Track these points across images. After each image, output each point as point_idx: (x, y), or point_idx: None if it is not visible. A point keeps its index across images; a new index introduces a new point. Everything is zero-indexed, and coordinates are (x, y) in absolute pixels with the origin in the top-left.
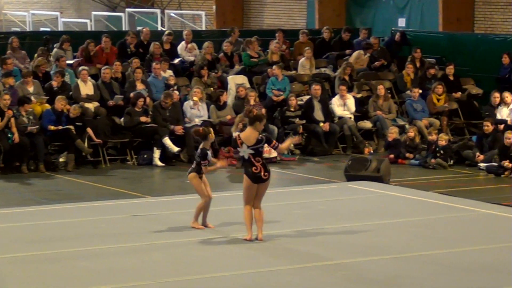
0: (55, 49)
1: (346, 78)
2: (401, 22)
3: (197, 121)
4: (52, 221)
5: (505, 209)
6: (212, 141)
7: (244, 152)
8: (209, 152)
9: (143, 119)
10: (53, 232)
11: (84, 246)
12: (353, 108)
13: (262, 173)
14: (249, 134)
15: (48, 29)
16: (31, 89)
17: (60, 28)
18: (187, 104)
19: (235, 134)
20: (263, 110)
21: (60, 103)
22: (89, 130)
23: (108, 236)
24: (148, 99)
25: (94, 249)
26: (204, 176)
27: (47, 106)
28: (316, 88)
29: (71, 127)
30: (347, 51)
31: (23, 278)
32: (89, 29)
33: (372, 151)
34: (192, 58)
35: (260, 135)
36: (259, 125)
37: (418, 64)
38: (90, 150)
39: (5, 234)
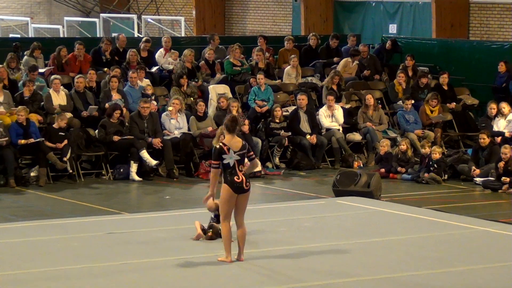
0: (25, 57)
1: (334, 87)
2: (392, 29)
3: (176, 133)
4: (21, 239)
5: (502, 226)
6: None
7: (231, 158)
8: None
9: (115, 138)
10: (22, 251)
11: (55, 266)
12: (341, 120)
13: (244, 183)
14: (232, 140)
15: (18, 36)
16: (0, 98)
17: (31, 34)
18: (166, 115)
19: (217, 144)
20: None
21: (20, 114)
22: (65, 142)
23: (81, 255)
24: (124, 110)
25: (66, 270)
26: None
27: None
28: (302, 98)
29: (43, 139)
30: (335, 59)
31: None
32: (61, 35)
33: (361, 165)
34: (170, 67)
35: (243, 141)
36: (237, 129)
37: (410, 73)
38: (64, 164)
39: None
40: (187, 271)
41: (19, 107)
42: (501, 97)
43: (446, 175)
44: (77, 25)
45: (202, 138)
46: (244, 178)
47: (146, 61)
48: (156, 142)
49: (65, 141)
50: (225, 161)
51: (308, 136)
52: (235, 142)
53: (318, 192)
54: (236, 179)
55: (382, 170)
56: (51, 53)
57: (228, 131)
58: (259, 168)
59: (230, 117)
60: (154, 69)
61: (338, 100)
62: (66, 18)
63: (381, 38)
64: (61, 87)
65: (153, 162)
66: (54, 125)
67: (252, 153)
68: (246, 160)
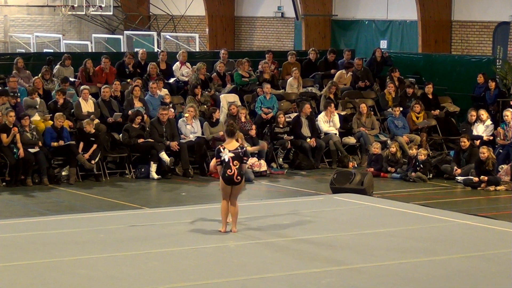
0: (57, 66)
1: (331, 96)
2: (383, 44)
3: (192, 137)
4: (54, 231)
5: (480, 219)
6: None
7: (226, 155)
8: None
9: (140, 141)
10: (55, 241)
11: (84, 255)
12: (338, 125)
13: (235, 176)
14: (229, 143)
15: (51, 51)
16: (36, 106)
17: (62, 49)
18: (182, 121)
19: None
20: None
21: (58, 120)
22: (94, 146)
23: (107, 245)
24: (145, 116)
25: (94, 258)
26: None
27: (51, 123)
28: (307, 107)
29: (73, 142)
30: (332, 71)
31: (26, 285)
32: (89, 50)
33: (356, 165)
34: (186, 78)
35: (241, 145)
36: (237, 135)
37: (398, 84)
38: (92, 164)
39: (10, 243)
40: (200, 259)
41: (57, 113)
42: (480, 105)
43: (431, 174)
44: (104, 41)
45: (214, 141)
46: (236, 171)
47: (165, 73)
48: (174, 145)
49: (94, 146)
50: (222, 157)
51: (308, 140)
52: (232, 144)
53: (317, 189)
54: (228, 172)
55: (374, 169)
56: (80, 66)
57: (229, 136)
58: (265, 168)
59: (227, 128)
60: (171, 80)
61: (334, 107)
62: (94, 35)
63: (372, 53)
64: (89, 96)
65: (168, 159)
66: (84, 129)
67: (246, 158)
68: (258, 162)
